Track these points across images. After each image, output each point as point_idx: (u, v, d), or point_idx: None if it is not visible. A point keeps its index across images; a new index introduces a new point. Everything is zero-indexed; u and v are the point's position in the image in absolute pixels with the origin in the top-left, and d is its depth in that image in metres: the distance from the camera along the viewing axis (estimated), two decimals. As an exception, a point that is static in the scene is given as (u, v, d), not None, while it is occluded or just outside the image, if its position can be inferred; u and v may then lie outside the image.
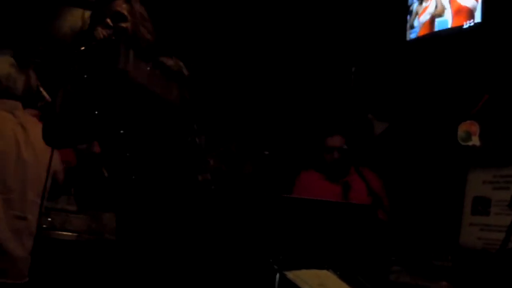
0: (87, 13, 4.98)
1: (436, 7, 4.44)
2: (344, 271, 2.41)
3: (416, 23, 4.61)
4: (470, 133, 4.22)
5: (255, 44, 5.41)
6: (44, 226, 3.66)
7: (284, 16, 5.38)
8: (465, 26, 4.13)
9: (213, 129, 5.17)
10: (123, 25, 2.39)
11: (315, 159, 4.30)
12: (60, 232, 3.71)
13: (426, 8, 4.54)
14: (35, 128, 2.91)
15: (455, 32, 4.24)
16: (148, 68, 2.42)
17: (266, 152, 4.68)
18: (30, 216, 3.06)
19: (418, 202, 4.47)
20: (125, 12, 2.40)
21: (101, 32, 2.35)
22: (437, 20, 4.42)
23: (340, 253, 2.61)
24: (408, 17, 4.67)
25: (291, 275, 2.29)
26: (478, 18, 4.05)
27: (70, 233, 3.74)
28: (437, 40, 4.46)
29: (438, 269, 3.78)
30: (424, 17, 4.56)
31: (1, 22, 4.69)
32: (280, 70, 5.39)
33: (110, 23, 2.36)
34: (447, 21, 4.34)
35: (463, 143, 4.24)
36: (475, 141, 4.20)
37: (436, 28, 4.43)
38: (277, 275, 2.32)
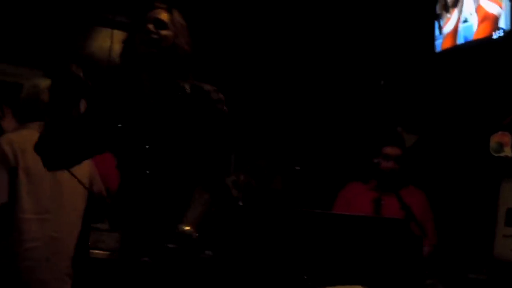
0: (116, 33, 5.06)
1: (462, 15, 4.42)
2: (377, 286, 2.39)
3: (442, 34, 4.60)
4: (502, 144, 4.17)
5: (284, 59, 5.43)
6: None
7: (313, 30, 5.41)
8: (494, 36, 4.10)
9: (243, 145, 5.23)
10: (164, 32, 2.36)
11: (362, 170, 4.28)
12: (92, 251, 3.72)
13: (449, 19, 4.53)
14: None
15: (485, 42, 4.20)
16: (184, 90, 2.39)
17: (297, 168, 4.67)
18: (67, 236, 3.08)
19: (451, 215, 4.42)
20: (166, 20, 2.37)
21: (141, 46, 2.34)
22: (462, 26, 4.40)
23: (373, 269, 2.59)
24: (436, 28, 4.65)
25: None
26: (503, 24, 4.02)
27: (102, 252, 3.75)
28: (466, 50, 4.43)
29: (473, 282, 3.74)
30: (449, 27, 4.54)
31: (32, 43, 4.77)
32: (309, 85, 5.40)
33: (153, 29, 2.33)
34: (471, 26, 4.31)
35: (495, 154, 4.19)
36: (508, 152, 4.15)
37: (462, 36, 4.41)
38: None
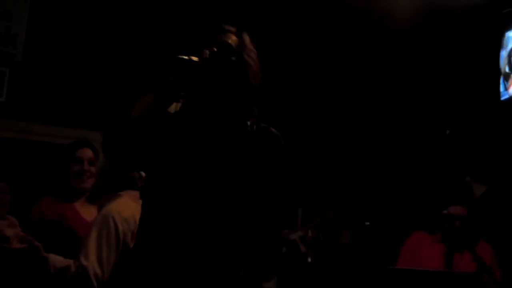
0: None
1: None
2: None
3: (508, 93, 4.58)
4: None
5: (352, 109, 5.47)
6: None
7: (380, 78, 5.44)
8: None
9: (311, 198, 5.25)
10: (232, 58, 2.06)
11: (428, 221, 4.22)
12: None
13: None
14: None
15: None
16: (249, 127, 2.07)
17: (367, 223, 4.64)
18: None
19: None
20: (234, 45, 2.07)
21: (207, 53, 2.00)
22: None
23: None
24: (501, 85, 4.65)
25: None
26: None
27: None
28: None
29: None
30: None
31: (100, 108, 4.94)
32: (376, 137, 5.40)
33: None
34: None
35: None
36: None
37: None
38: None
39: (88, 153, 3.44)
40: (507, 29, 4.68)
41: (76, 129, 4.74)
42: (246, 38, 2.13)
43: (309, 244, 4.47)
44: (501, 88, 4.67)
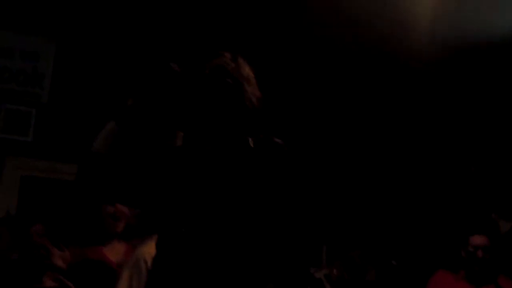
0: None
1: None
2: None
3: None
4: None
5: (377, 147, 5.47)
6: None
7: (404, 115, 5.45)
8: None
9: (335, 236, 5.22)
10: (228, 80, 1.98)
11: (451, 259, 4.19)
12: None
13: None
14: None
15: None
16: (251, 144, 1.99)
17: (394, 262, 4.59)
18: None
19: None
20: (229, 68, 2.01)
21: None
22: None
23: None
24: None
25: None
26: None
27: None
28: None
29: None
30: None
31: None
32: (403, 175, 5.39)
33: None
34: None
35: None
36: None
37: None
38: None
39: None
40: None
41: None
42: (241, 61, 2.07)
43: (334, 282, 4.43)
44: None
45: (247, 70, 2.05)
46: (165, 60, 1.97)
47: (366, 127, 5.50)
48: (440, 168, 5.27)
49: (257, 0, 4.41)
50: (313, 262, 4.87)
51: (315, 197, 5.04)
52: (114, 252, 3.35)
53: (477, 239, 3.94)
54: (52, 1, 4.40)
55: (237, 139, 1.98)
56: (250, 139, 1.99)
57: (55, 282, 2.81)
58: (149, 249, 2.81)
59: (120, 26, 4.71)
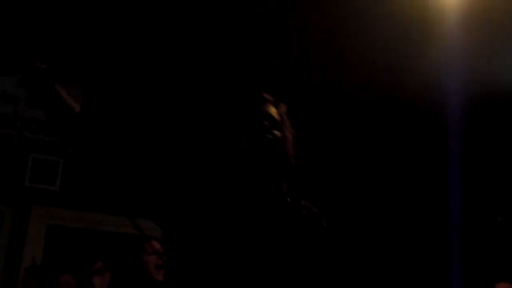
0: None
1: None
2: None
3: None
4: None
5: (408, 200, 5.45)
6: None
7: (433, 167, 5.44)
8: None
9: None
10: (276, 132, 1.78)
11: None
12: None
13: None
14: None
15: None
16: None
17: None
18: None
19: None
20: (277, 118, 1.82)
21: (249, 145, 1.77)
22: None
23: None
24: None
25: None
26: None
27: None
28: None
29: None
30: None
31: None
32: (426, 226, 5.36)
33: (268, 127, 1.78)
34: None
35: None
36: None
37: None
38: None
39: (158, 245, 3.46)
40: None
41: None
42: (284, 110, 1.88)
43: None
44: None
45: (288, 121, 1.87)
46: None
47: (379, 174, 5.49)
48: (467, 218, 5.24)
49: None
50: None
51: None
52: None
53: (502, 286, 3.92)
54: (78, 51, 4.48)
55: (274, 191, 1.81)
56: (289, 199, 1.82)
57: None
58: None
59: (145, 72, 4.78)
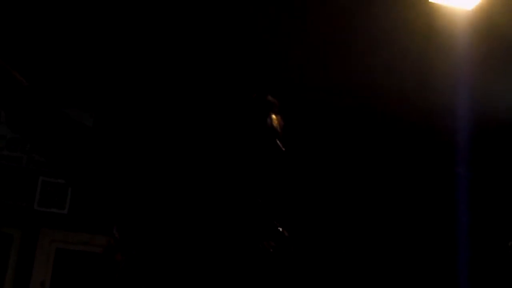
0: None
1: None
2: None
3: None
4: None
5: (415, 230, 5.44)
6: None
7: (437, 190, 5.43)
8: None
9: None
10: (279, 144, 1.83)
11: None
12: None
13: None
14: None
15: None
16: None
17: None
18: None
19: None
20: (278, 127, 1.84)
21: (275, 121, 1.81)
22: None
23: None
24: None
25: None
26: None
27: None
28: None
29: None
30: None
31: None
32: (441, 253, 5.34)
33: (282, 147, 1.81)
34: None
35: None
36: None
37: None
38: None
39: None
40: None
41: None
42: (278, 115, 1.88)
43: None
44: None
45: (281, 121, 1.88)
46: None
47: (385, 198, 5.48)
48: (479, 244, 5.22)
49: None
50: None
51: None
52: None
53: None
54: (88, 74, 4.51)
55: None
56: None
57: None
58: None
59: (155, 98, 4.80)
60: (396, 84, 4.42)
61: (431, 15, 3.56)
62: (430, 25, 3.65)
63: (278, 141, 1.80)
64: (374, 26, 3.74)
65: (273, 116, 1.84)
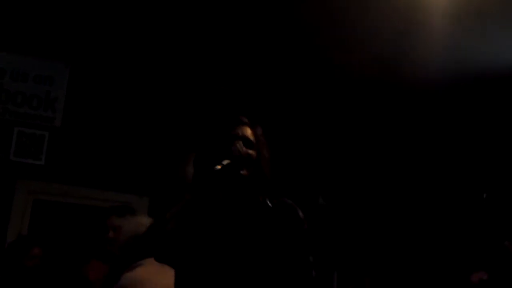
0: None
1: None
2: None
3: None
4: None
5: (384, 173, 5.46)
6: None
7: (416, 144, 5.45)
8: None
9: (347, 264, 5.20)
10: (251, 152, 2.05)
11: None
12: None
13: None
14: None
15: None
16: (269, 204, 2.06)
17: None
18: None
19: None
20: (252, 139, 2.08)
21: (239, 148, 2.02)
22: None
23: None
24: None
25: None
26: None
27: None
28: None
29: None
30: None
31: (137, 171, 4.99)
32: (413, 202, 5.38)
33: (241, 148, 2.03)
34: None
35: None
36: None
37: None
38: None
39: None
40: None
41: (114, 192, 4.81)
42: (260, 131, 2.15)
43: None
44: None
45: (263, 138, 2.14)
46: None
47: (374, 153, 5.51)
48: (452, 195, 5.27)
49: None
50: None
51: (327, 226, 5.03)
52: None
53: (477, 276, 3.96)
54: (65, 26, 4.43)
55: (253, 200, 2.05)
56: (268, 201, 2.06)
57: None
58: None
59: (133, 50, 4.74)
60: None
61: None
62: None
63: (248, 149, 2.04)
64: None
65: (248, 130, 2.10)
